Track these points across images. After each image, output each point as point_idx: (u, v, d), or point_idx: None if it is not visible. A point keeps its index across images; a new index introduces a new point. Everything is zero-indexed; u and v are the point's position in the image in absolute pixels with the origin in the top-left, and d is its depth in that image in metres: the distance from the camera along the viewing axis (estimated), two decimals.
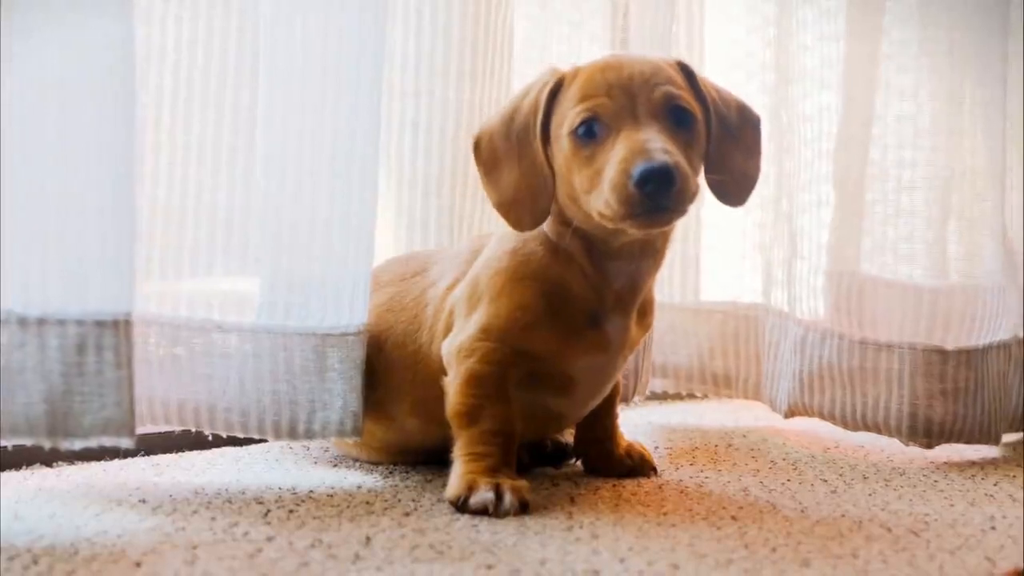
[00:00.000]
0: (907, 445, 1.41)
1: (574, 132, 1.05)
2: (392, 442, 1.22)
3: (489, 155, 1.11)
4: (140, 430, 1.24)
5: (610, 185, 1.00)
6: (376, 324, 1.18)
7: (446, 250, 1.26)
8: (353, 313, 1.15)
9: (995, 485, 1.24)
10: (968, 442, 1.40)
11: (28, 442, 0.98)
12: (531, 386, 1.12)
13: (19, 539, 0.92)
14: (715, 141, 1.10)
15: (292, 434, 1.14)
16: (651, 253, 1.12)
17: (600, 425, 1.23)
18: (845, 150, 1.45)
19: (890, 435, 1.40)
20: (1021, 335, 1.49)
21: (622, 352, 1.14)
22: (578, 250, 1.10)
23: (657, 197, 0.99)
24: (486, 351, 1.09)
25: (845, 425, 1.43)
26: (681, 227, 1.58)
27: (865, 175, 1.45)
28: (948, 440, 1.39)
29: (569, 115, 1.05)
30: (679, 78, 1.08)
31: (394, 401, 1.18)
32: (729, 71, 1.61)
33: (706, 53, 1.60)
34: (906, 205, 1.44)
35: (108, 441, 0.98)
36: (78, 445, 0.98)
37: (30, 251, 0.97)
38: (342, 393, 1.14)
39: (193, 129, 1.15)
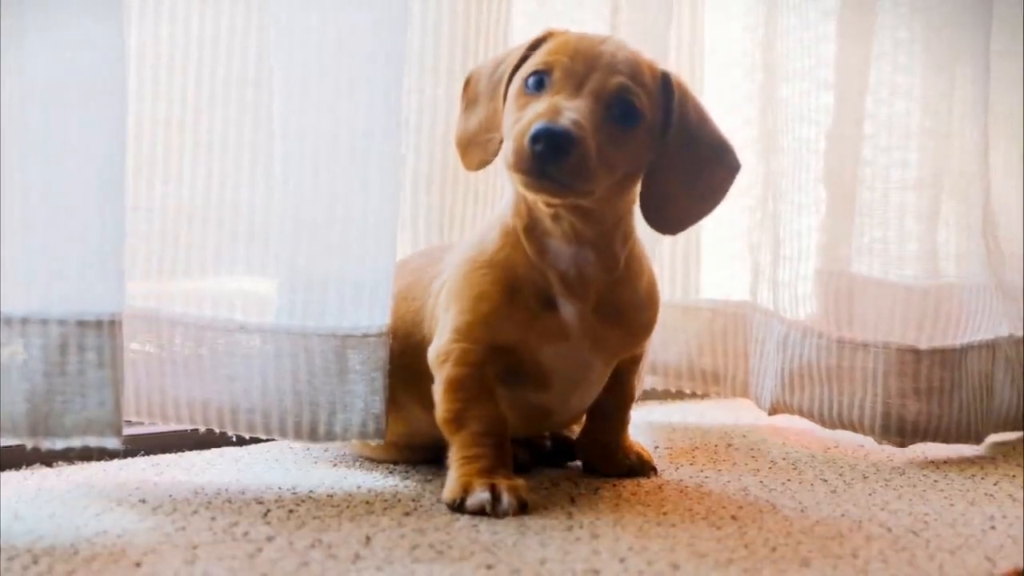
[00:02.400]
0: (880, 444, 1.41)
1: (525, 79, 1.06)
2: (402, 433, 1.21)
3: (473, 93, 1.14)
4: (144, 430, 1.25)
5: (514, 134, 1.01)
6: (393, 311, 1.18)
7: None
8: (374, 313, 1.15)
9: (995, 485, 1.24)
10: (945, 441, 1.40)
11: (10, 441, 0.98)
12: (511, 382, 1.12)
13: (19, 539, 0.92)
14: (668, 163, 1.09)
15: (313, 436, 1.15)
16: (588, 242, 1.09)
17: (606, 426, 1.23)
18: (835, 150, 1.45)
19: (864, 433, 1.41)
20: (1018, 335, 1.49)
21: (587, 343, 1.11)
22: (521, 227, 1.10)
23: (544, 161, 0.98)
24: (460, 353, 1.09)
25: (823, 423, 1.43)
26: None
27: (855, 175, 1.45)
28: (923, 439, 1.39)
29: (529, 63, 1.07)
30: (650, 81, 1.07)
31: (403, 389, 1.18)
32: (727, 69, 1.61)
33: (705, 51, 1.59)
34: (879, 204, 1.44)
35: (92, 441, 0.98)
36: (60, 445, 0.98)
37: (14, 250, 0.96)
38: (363, 395, 1.14)
39: (215, 128, 1.16)
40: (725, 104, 1.59)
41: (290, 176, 1.14)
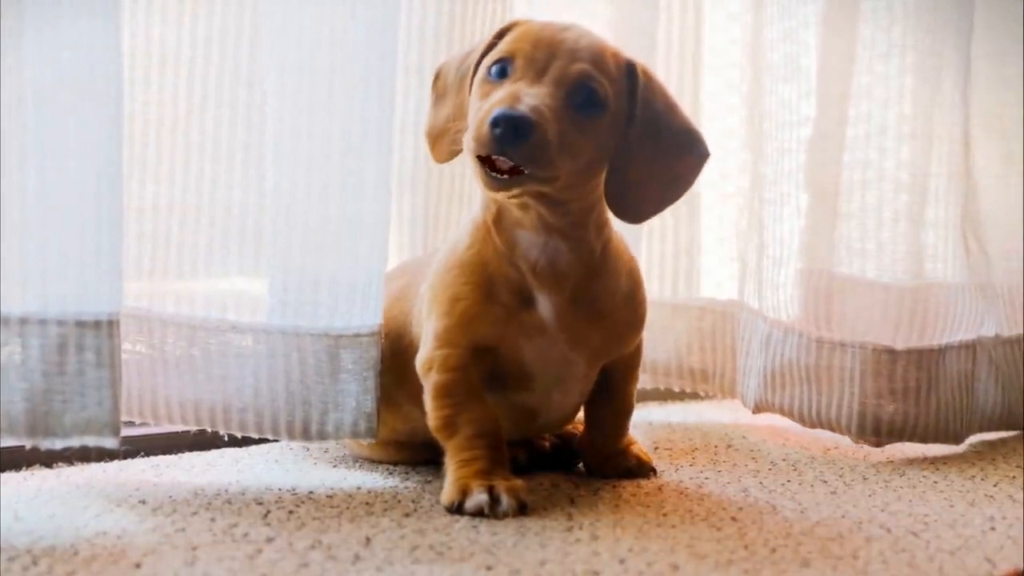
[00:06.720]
0: (857, 443, 1.42)
1: (488, 68, 1.06)
2: (403, 431, 1.21)
3: (442, 86, 1.15)
4: (143, 431, 1.25)
5: (475, 121, 1.01)
6: (387, 311, 1.19)
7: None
8: (366, 313, 1.15)
9: (995, 486, 1.24)
10: (923, 441, 1.40)
11: (9, 441, 0.99)
12: (494, 385, 1.12)
13: (19, 540, 0.92)
14: (633, 151, 1.08)
15: (306, 435, 1.15)
16: (559, 232, 1.09)
17: (605, 435, 1.22)
18: (819, 150, 1.45)
19: (841, 433, 1.41)
20: (1004, 335, 1.50)
21: (564, 336, 1.10)
22: (490, 218, 1.11)
23: (504, 145, 0.98)
24: (444, 358, 1.10)
25: (803, 422, 1.43)
26: (658, 225, 1.58)
27: (837, 175, 1.45)
28: (899, 439, 1.40)
29: (492, 53, 1.07)
30: (613, 69, 1.07)
31: (397, 388, 1.18)
32: (725, 70, 1.60)
33: (704, 51, 1.59)
34: (859, 204, 1.44)
35: (91, 441, 0.99)
36: (59, 445, 0.98)
37: (12, 250, 0.97)
38: (355, 394, 1.15)
39: (207, 128, 1.16)
40: (723, 104, 1.60)
41: (282, 176, 1.14)
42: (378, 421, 1.16)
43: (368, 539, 0.96)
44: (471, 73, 1.10)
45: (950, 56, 1.44)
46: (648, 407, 1.68)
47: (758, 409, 1.47)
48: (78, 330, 0.98)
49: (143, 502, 1.05)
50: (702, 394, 1.66)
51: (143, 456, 1.25)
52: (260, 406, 1.14)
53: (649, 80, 1.10)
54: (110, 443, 0.99)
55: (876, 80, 1.44)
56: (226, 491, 1.11)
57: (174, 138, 1.15)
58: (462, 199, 1.42)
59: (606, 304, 1.13)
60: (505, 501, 1.03)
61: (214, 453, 1.28)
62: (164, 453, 1.27)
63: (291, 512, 1.04)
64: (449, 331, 1.10)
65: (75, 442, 0.98)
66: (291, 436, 1.16)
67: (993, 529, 1.05)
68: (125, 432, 1.06)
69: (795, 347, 1.43)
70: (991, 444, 1.49)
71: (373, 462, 1.26)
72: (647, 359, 1.58)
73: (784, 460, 1.35)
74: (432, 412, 1.10)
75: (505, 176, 1.00)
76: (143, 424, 1.20)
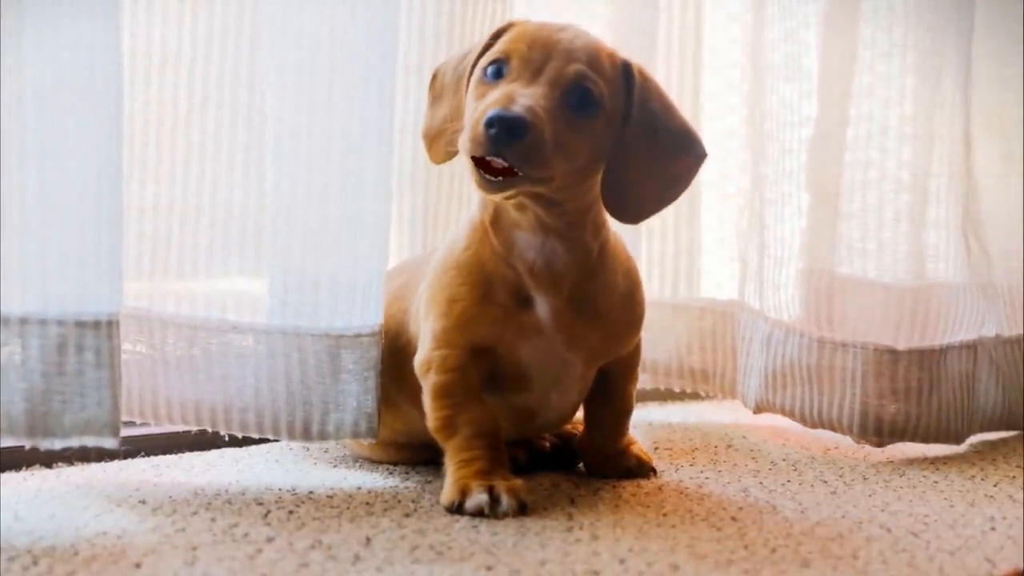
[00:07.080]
0: (858, 443, 1.42)
1: (484, 69, 1.06)
2: (402, 431, 1.22)
3: (439, 87, 1.15)
4: (143, 431, 1.26)
5: (470, 122, 1.01)
6: (385, 310, 1.18)
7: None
8: (367, 313, 1.15)
9: (995, 486, 1.24)
10: (924, 441, 1.41)
11: (9, 441, 0.99)
12: (492, 386, 1.12)
13: (19, 540, 0.92)
14: (629, 151, 1.08)
15: (306, 435, 1.15)
16: (556, 233, 1.09)
17: (604, 435, 1.22)
18: (821, 150, 1.45)
19: (843, 433, 1.41)
20: (1005, 335, 1.50)
21: (561, 337, 1.10)
22: (488, 219, 1.10)
23: (498, 145, 0.98)
24: (442, 359, 1.10)
25: (804, 422, 1.44)
26: (658, 225, 1.58)
27: (839, 175, 1.45)
28: (901, 439, 1.40)
29: (488, 53, 1.07)
30: (609, 70, 1.07)
31: (396, 387, 1.18)
32: (725, 70, 1.60)
33: (704, 51, 1.59)
34: (861, 204, 1.44)
35: (90, 441, 0.99)
36: (59, 445, 0.98)
37: (12, 250, 0.97)
38: (356, 394, 1.15)
39: (208, 128, 1.16)
40: (724, 104, 1.60)
41: (283, 176, 1.14)
42: (379, 421, 1.17)
43: (368, 539, 0.96)
44: (468, 74, 1.09)
45: (951, 56, 1.45)
46: (648, 407, 1.68)
47: (759, 409, 1.48)
48: (78, 330, 0.98)
49: (143, 502, 1.05)
50: (702, 394, 1.66)
51: (143, 456, 1.25)
52: (261, 406, 1.15)
53: (645, 80, 1.10)
54: (110, 443, 1.00)
55: (877, 80, 1.44)
56: (226, 491, 1.11)
57: (174, 138, 1.16)
58: (462, 199, 1.42)
59: (603, 304, 1.13)
60: (505, 501, 1.04)
61: (214, 453, 1.28)
62: (164, 453, 1.27)
63: (291, 512, 1.04)
64: (447, 332, 1.10)
65: (75, 442, 0.99)
66: (291, 436, 1.16)
67: (993, 529, 1.05)
68: (125, 432, 1.06)
69: (796, 347, 1.43)
70: (991, 444, 1.49)
71: (373, 462, 1.26)
72: (647, 359, 1.58)
73: (784, 460, 1.35)
74: (431, 413, 1.10)
75: (499, 178, 1.00)
76: (143, 424, 1.20)
